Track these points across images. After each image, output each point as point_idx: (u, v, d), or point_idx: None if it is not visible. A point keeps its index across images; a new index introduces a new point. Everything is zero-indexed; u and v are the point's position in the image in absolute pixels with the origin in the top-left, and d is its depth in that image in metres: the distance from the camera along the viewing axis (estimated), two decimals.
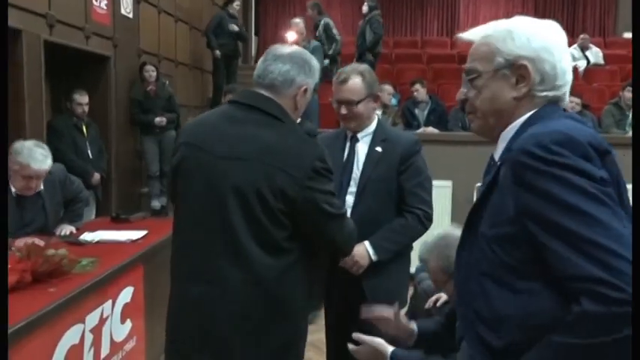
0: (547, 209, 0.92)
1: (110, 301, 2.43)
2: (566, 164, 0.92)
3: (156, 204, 5.70)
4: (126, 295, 2.59)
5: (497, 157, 1.11)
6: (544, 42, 1.07)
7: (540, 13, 10.92)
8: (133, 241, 2.88)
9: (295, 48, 1.68)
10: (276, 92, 1.59)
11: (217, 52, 7.02)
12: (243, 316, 1.53)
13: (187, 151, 1.60)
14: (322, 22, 6.99)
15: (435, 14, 11.52)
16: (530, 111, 1.08)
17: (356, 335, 1.48)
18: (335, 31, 7.01)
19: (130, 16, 5.75)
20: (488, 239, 1.01)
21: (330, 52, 6.85)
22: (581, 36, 8.63)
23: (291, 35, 6.29)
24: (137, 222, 3.41)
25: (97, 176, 4.76)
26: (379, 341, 1.43)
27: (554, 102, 1.09)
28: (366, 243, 2.07)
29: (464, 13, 11.39)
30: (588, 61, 8.32)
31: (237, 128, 1.56)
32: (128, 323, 2.62)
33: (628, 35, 9.77)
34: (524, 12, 10.84)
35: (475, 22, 11.26)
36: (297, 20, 6.41)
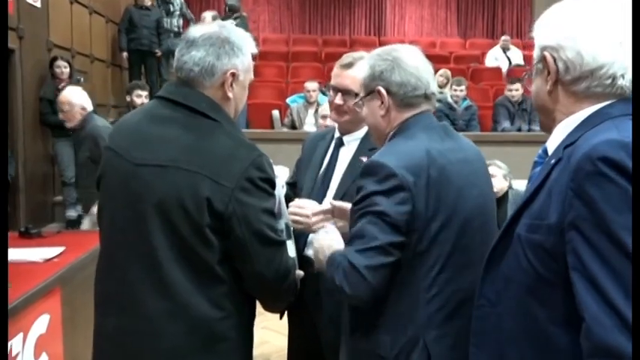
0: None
1: (21, 335, 2.10)
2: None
3: (72, 214, 5.19)
4: (40, 325, 2.25)
5: (550, 151, 1.04)
6: (569, 28, 0.98)
7: (463, 13, 11.33)
8: (48, 260, 2.53)
9: (211, 27, 1.38)
10: (199, 85, 1.33)
11: (125, 55, 7.05)
12: (168, 353, 1.31)
13: (107, 158, 1.39)
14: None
15: (362, 14, 11.68)
16: (582, 108, 0.99)
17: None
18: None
19: (38, 4, 5.26)
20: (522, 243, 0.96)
21: None
22: (503, 37, 9.09)
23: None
24: (51, 236, 3.01)
25: None
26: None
27: (623, 98, 0.97)
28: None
29: (390, 13, 11.65)
30: (510, 62, 8.68)
31: (159, 129, 1.32)
32: (44, 357, 2.28)
33: None
34: (447, 13, 11.19)
35: (402, 22, 11.61)
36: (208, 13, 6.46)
